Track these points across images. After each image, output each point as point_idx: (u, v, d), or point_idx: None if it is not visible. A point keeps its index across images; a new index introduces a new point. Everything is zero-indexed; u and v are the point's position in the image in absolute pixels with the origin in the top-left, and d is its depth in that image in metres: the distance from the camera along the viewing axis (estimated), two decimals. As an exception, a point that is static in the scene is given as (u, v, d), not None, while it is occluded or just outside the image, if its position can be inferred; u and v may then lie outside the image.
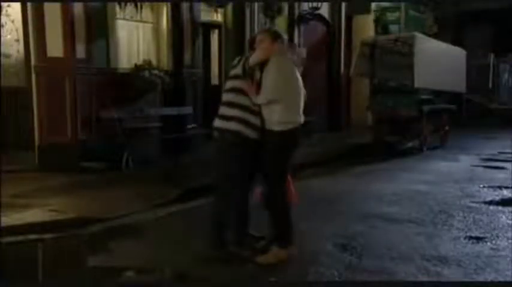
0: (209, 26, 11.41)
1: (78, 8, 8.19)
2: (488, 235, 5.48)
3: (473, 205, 6.86)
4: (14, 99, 8.69)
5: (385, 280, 4.31)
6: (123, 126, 8.41)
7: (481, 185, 8.12)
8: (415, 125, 12.11)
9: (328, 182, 8.42)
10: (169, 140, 9.07)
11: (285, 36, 4.86)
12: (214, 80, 11.78)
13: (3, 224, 5.23)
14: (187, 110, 9.85)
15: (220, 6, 11.40)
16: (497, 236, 5.45)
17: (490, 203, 6.98)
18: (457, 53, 14.23)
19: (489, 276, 4.38)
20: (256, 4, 12.05)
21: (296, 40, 13.57)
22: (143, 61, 9.39)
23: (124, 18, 9.28)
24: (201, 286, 4.27)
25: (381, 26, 16.82)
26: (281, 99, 4.52)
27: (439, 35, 17.47)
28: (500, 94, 20.09)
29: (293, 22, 13.51)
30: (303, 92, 4.74)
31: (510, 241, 5.32)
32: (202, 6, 10.82)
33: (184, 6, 10.09)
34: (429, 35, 15.30)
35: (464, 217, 6.22)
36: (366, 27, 16.41)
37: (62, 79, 8.23)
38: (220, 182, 4.81)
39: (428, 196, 7.40)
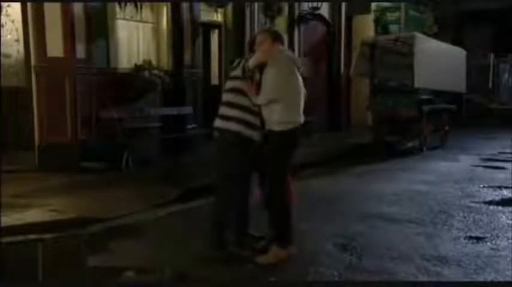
0: (209, 26, 11.41)
1: (78, 8, 8.19)
2: (488, 235, 5.48)
3: (473, 205, 6.86)
4: (14, 99, 8.69)
5: (385, 280, 4.31)
6: (123, 126, 8.41)
7: (481, 185, 8.12)
8: (415, 125, 12.11)
9: (328, 182, 8.42)
10: (169, 140, 9.07)
11: (285, 36, 4.87)
12: (214, 80, 11.78)
13: (3, 224, 5.23)
14: (187, 110, 9.85)
15: (220, 6, 11.41)
16: (497, 236, 5.45)
17: (490, 203, 6.98)
18: (457, 53, 14.23)
19: (489, 276, 4.38)
20: (256, 4, 12.05)
21: (296, 40, 13.58)
22: (143, 61, 9.40)
23: (124, 18, 9.28)
24: (201, 286, 4.27)
25: (381, 26, 16.82)
26: (281, 99, 4.52)
27: (439, 35, 17.46)
28: (500, 94, 20.08)
29: (293, 22, 13.51)
30: (303, 91, 4.74)
31: (510, 241, 5.32)
32: (202, 6, 10.82)
33: (184, 6, 10.09)
34: (429, 35, 15.30)
35: (464, 217, 6.22)
36: (366, 27, 16.41)
37: (62, 79, 8.23)
38: (220, 182, 4.82)
39: (428, 196, 7.40)
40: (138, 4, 9.51)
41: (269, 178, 4.66)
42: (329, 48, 15.34)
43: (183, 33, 10.10)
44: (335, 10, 15.27)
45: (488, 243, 5.23)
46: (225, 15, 11.69)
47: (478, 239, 5.36)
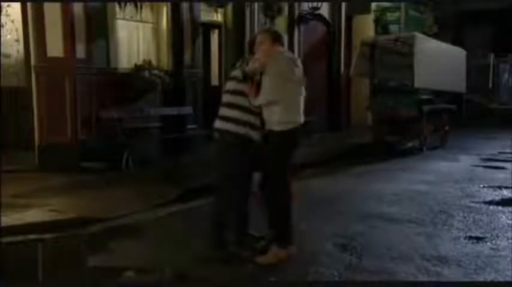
0: (209, 26, 11.41)
1: (78, 8, 8.19)
2: (488, 235, 5.48)
3: (473, 205, 6.86)
4: (14, 99, 8.69)
5: (385, 280, 4.31)
6: (123, 126, 8.42)
7: (481, 185, 8.12)
8: (415, 125, 12.11)
9: (328, 182, 8.42)
10: (169, 140, 9.07)
11: (285, 36, 4.86)
12: (214, 80, 11.78)
13: (3, 224, 5.23)
14: (187, 110, 9.85)
15: (220, 6, 11.41)
16: (497, 236, 5.45)
17: (490, 203, 6.98)
18: (457, 53, 14.24)
19: (489, 276, 4.38)
20: (256, 4, 12.05)
21: (296, 40, 13.58)
22: (143, 61, 9.40)
23: (124, 18, 9.28)
24: (201, 286, 4.27)
25: (381, 26, 16.83)
26: (281, 100, 4.52)
27: (439, 35, 17.47)
28: (500, 94, 20.09)
29: (293, 22, 13.51)
30: (303, 92, 4.73)
31: (510, 241, 5.32)
32: (202, 6, 10.82)
33: (184, 6, 10.09)
34: (429, 35, 15.31)
35: (464, 217, 6.22)
36: (366, 27, 16.41)
37: (62, 79, 8.23)
38: (220, 183, 4.82)
39: (428, 196, 7.40)
40: (138, 4, 9.51)
41: (269, 177, 4.66)
42: (329, 48, 15.34)
43: (183, 33, 10.10)
44: (335, 10, 15.27)
45: (488, 243, 5.23)
46: (225, 15, 11.69)
47: (478, 239, 5.36)
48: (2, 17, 8.53)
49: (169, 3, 9.92)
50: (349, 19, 16.07)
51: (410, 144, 12.53)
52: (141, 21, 9.68)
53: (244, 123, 4.59)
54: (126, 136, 8.39)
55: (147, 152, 8.80)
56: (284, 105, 4.53)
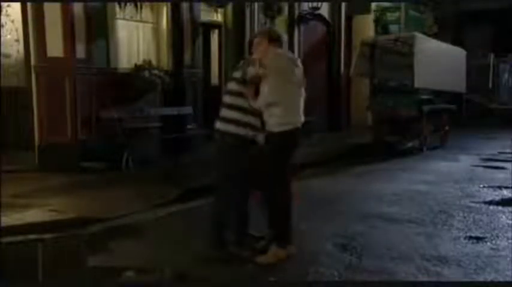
0: (209, 26, 11.41)
1: (78, 8, 8.19)
2: (488, 235, 5.48)
3: (473, 205, 6.86)
4: (14, 99, 8.69)
5: (385, 280, 4.31)
6: (123, 126, 8.42)
7: (481, 185, 8.12)
8: (415, 125, 12.11)
9: (328, 182, 8.42)
10: (169, 140, 9.07)
11: (284, 37, 4.85)
12: (214, 80, 11.78)
13: (3, 224, 5.23)
14: (187, 110, 9.85)
15: (220, 6, 11.41)
16: (497, 236, 5.45)
17: (490, 203, 6.98)
18: (457, 53, 14.24)
19: (489, 276, 4.38)
20: (256, 4, 12.05)
21: (296, 40, 13.58)
22: (143, 61, 9.40)
23: (124, 18, 9.28)
24: (201, 286, 4.27)
25: (381, 26, 16.82)
26: (280, 101, 4.52)
27: (439, 35, 17.47)
28: (500, 94, 20.09)
29: (293, 22, 13.51)
30: (303, 92, 4.73)
31: (510, 241, 5.31)
32: (202, 6, 10.82)
33: (184, 6, 10.09)
34: (429, 35, 15.31)
35: (464, 217, 6.22)
36: (366, 27, 16.41)
37: (62, 79, 8.23)
38: (220, 183, 4.82)
39: (428, 196, 7.40)
40: (138, 4, 9.51)
41: (269, 178, 4.66)
42: (329, 48, 15.34)
43: (183, 33, 10.10)
44: (335, 10, 15.27)
45: (488, 243, 5.22)
46: (225, 15, 11.69)
47: (478, 239, 5.35)
48: (2, 17, 8.52)
49: (169, 3, 9.92)
50: (349, 19, 16.07)
51: (410, 144, 12.53)
52: (141, 21, 9.67)
53: (245, 125, 4.60)
54: (126, 136, 8.39)
55: (147, 152, 8.80)
56: (284, 107, 4.53)
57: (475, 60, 17.93)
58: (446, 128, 13.28)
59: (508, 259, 4.76)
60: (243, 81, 4.59)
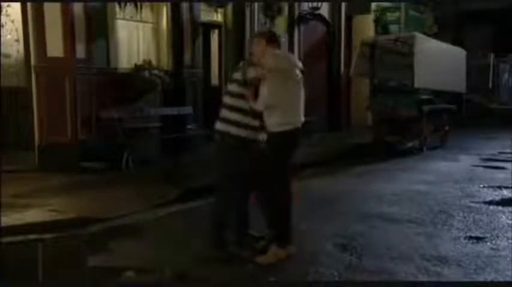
0: (209, 26, 11.41)
1: (78, 8, 8.19)
2: (488, 235, 5.48)
3: (473, 205, 6.86)
4: (14, 99, 8.69)
5: (385, 280, 4.31)
6: (123, 126, 8.42)
7: (481, 185, 8.12)
8: (415, 125, 12.11)
9: (328, 182, 8.42)
10: (169, 140, 9.07)
11: (283, 38, 4.85)
12: (214, 81, 11.78)
13: (3, 224, 5.23)
14: (187, 110, 9.85)
15: (220, 6, 11.41)
16: (497, 236, 5.45)
17: (490, 203, 6.98)
18: (457, 53, 14.24)
19: (489, 276, 4.38)
20: (256, 4, 12.05)
21: (296, 40, 13.58)
22: (143, 61, 9.40)
23: (124, 18, 9.28)
24: (201, 286, 4.27)
25: (381, 26, 16.82)
26: (279, 102, 4.52)
27: (439, 35, 17.47)
28: (500, 94, 20.09)
29: (293, 22, 13.51)
30: (302, 93, 4.72)
31: (510, 241, 5.32)
32: (202, 6, 10.82)
33: (184, 6, 10.09)
34: (429, 35, 15.31)
35: (464, 217, 6.22)
36: (366, 27, 16.41)
37: (62, 79, 8.23)
38: (220, 183, 4.82)
39: (428, 196, 7.40)
40: (138, 4, 9.51)
41: (269, 178, 4.66)
42: (329, 48, 15.34)
43: (183, 33, 10.10)
44: (335, 10, 15.27)
45: (488, 243, 5.23)
46: (225, 15, 11.69)
47: (478, 239, 5.35)
48: (2, 17, 8.53)
49: (169, 3, 9.92)
50: (349, 19, 16.07)
51: (410, 144, 12.53)
52: (141, 21, 9.67)
53: (245, 126, 4.60)
54: (126, 136, 8.39)
55: (147, 152, 8.80)
56: (283, 107, 4.53)
57: (475, 60, 17.93)
58: (446, 128, 13.28)
59: (508, 259, 4.76)
60: (243, 83, 4.59)
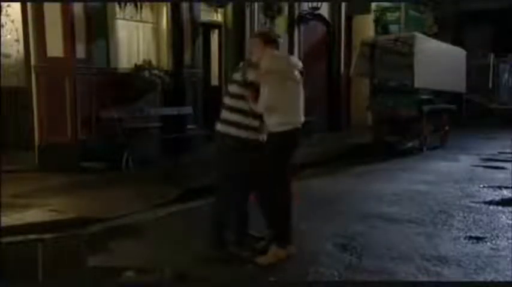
0: (209, 26, 11.41)
1: (78, 8, 8.19)
2: (488, 235, 5.48)
3: (473, 205, 6.86)
4: (14, 99, 8.69)
5: (385, 280, 4.31)
6: (123, 126, 8.42)
7: (481, 185, 8.12)
8: (415, 125, 12.11)
9: (328, 182, 8.42)
10: (169, 140, 9.07)
11: (281, 39, 4.84)
12: (214, 81, 11.77)
13: (3, 224, 5.23)
14: (187, 110, 9.85)
15: (220, 6, 11.40)
16: (497, 236, 5.45)
17: (490, 203, 6.98)
18: (457, 53, 14.24)
19: (489, 276, 4.38)
20: (256, 4, 12.05)
21: (296, 40, 13.58)
22: (143, 61, 9.40)
23: (124, 18, 9.28)
24: (201, 286, 4.28)
25: (381, 26, 16.83)
26: (279, 103, 4.51)
27: (439, 35, 17.47)
28: (500, 94, 20.09)
29: (293, 22, 13.51)
30: (302, 93, 4.72)
31: (510, 241, 5.32)
32: (202, 6, 10.82)
33: (184, 6, 10.09)
34: (429, 35, 15.31)
35: (464, 217, 6.22)
36: (366, 27, 16.41)
37: (62, 79, 8.23)
38: (220, 183, 4.82)
39: (428, 196, 7.40)
40: (138, 4, 9.51)
41: (269, 178, 4.66)
42: (329, 48, 15.34)
43: (183, 33, 10.10)
44: (335, 10, 15.27)
45: (488, 243, 5.23)
46: (225, 15, 11.69)
47: (478, 239, 5.36)
48: (2, 17, 8.52)
49: (169, 3, 9.92)
50: (349, 19, 16.07)
51: (410, 144, 12.53)
52: (141, 21, 9.67)
53: (246, 127, 4.60)
54: (126, 136, 8.39)
55: (147, 152, 8.80)
56: (283, 108, 4.53)
57: (475, 60, 17.93)
58: (446, 128, 13.28)
59: (508, 259, 4.76)
60: (243, 84, 4.59)
